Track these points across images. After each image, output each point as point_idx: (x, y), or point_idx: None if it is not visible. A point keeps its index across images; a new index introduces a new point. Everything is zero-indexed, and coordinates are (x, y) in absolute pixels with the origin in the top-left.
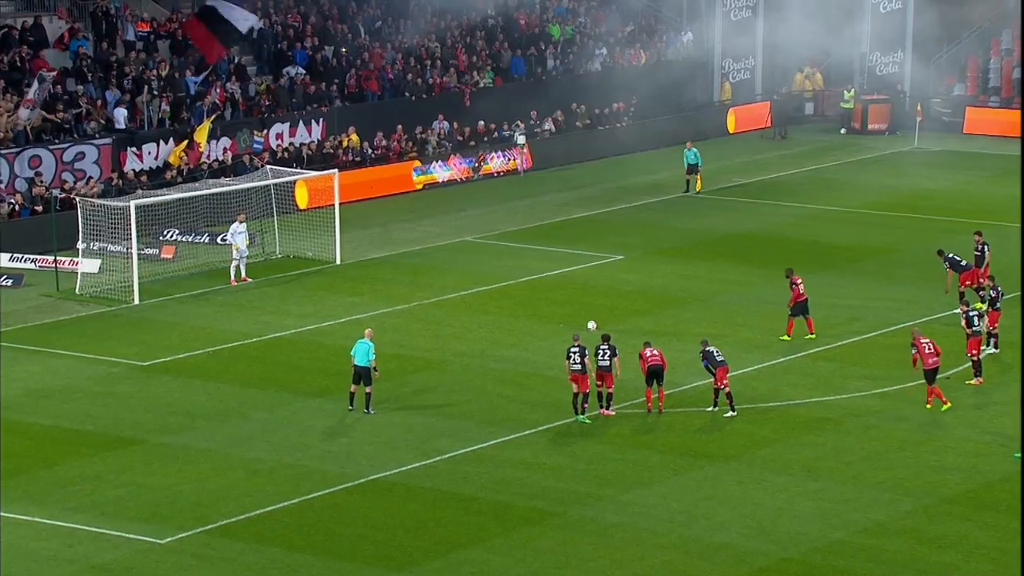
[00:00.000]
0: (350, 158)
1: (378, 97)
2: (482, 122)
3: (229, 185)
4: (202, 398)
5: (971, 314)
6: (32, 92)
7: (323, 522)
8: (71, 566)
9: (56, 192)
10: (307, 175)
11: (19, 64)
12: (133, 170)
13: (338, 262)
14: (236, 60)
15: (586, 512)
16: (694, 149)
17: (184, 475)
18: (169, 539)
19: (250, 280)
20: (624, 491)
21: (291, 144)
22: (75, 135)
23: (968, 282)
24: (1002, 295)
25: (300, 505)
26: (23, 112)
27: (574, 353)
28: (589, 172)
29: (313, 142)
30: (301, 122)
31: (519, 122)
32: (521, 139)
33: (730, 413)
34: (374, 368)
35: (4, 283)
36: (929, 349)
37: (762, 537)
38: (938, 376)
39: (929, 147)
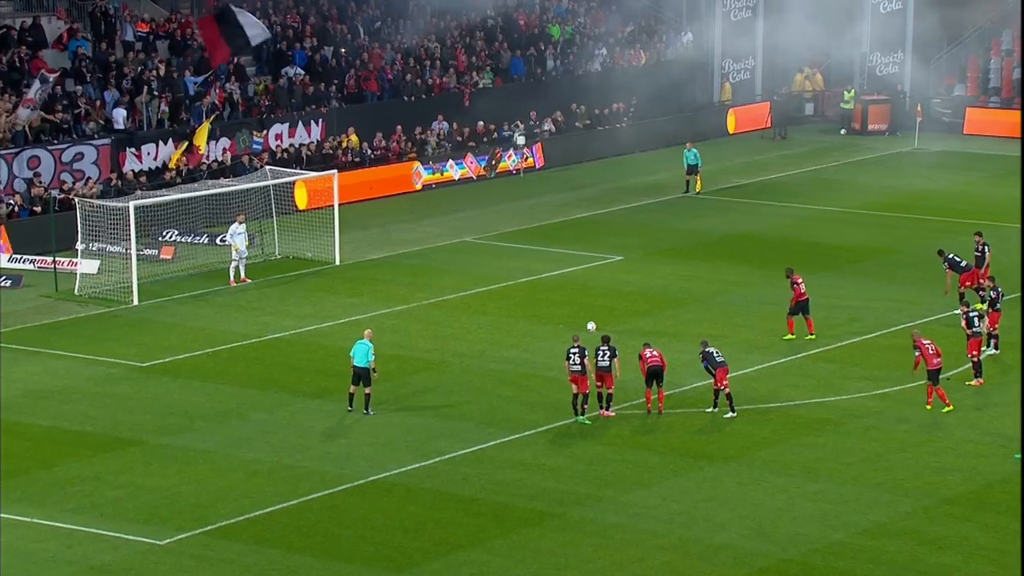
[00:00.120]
0: (349, 159)
1: (377, 98)
2: (481, 123)
3: (228, 186)
4: (201, 399)
5: (971, 315)
6: (33, 92)
7: (322, 523)
8: (70, 567)
9: (55, 193)
10: (306, 176)
11: (18, 64)
12: (132, 171)
13: (337, 263)
14: (235, 60)
15: (586, 513)
16: (694, 150)
17: (183, 476)
18: (168, 540)
19: (249, 281)
20: (624, 492)
21: (290, 145)
22: (74, 136)
23: (968, 283)
24: (1002, 296)
25: (299, 506)
26: (22, 112)
27: (574, 354)
28: (589, 173)
29: (312, 143)
30: (300, 123)
31: (518, 123)
32: (521, 140)
33: (730, 414)
34: (373, 369)
35: (3, 284)
36: (932, 350)
37: (762, 538)
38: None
39: (929, 148)
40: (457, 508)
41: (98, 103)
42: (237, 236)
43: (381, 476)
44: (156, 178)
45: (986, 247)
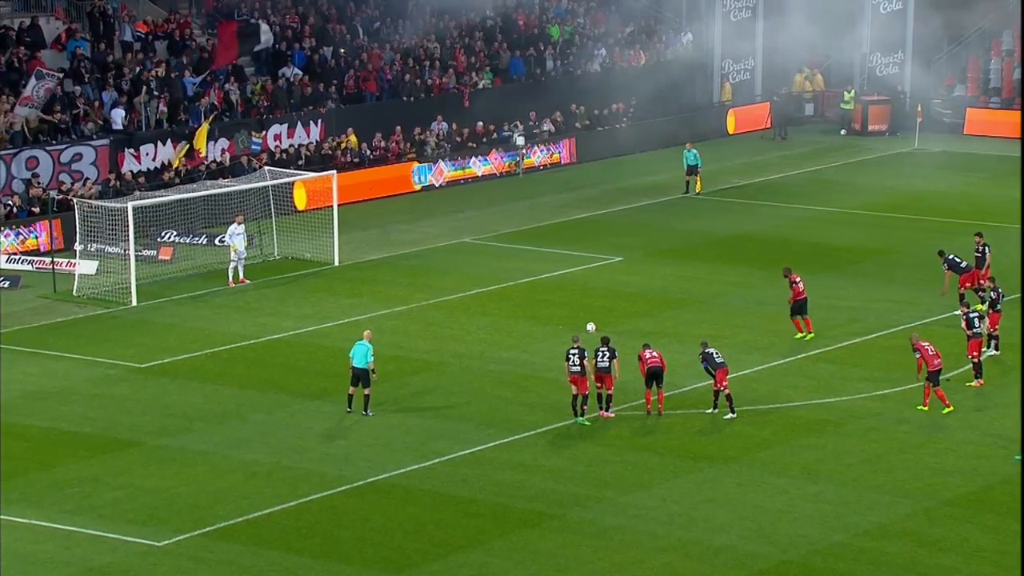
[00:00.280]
0: (348, 159)
1: (376, 98)
2: (481, 123)
3: (227, 186)
4: (200, 400)
5: (971, 316)
6: (30, 89)
7: (321, 524)
8: (68, 569)
9: (53, 193)
10: (305, 176)
11: (16, 65)
12: (131, 171)
13: (336, 263)
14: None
15: (585, 514)
16: (694, 150)
17: (182, 477)
18: (167, 542)
19: (248, 282)
20: (623, 493)
21: (289, 145)
22: (72, 136)
23: (968, 284)
24: (1003, 297)
25: (298, 507)
26: (20, 110)
27: (573, 355)
28: (588, 173)
29: (311, 143)
30: (299, 123)
31: (517, 123)
32: (520, 140)
33: (730, 415)
34: (372, 370)
35: (1, 285)
36: (931, 351)
37: (762, 539)
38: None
39: (929, 148)
40: (456, 509)
41: (96, 104)
42: (236, 237)
43: (380, 477)
44: (155, 179)
45: (986, 248)
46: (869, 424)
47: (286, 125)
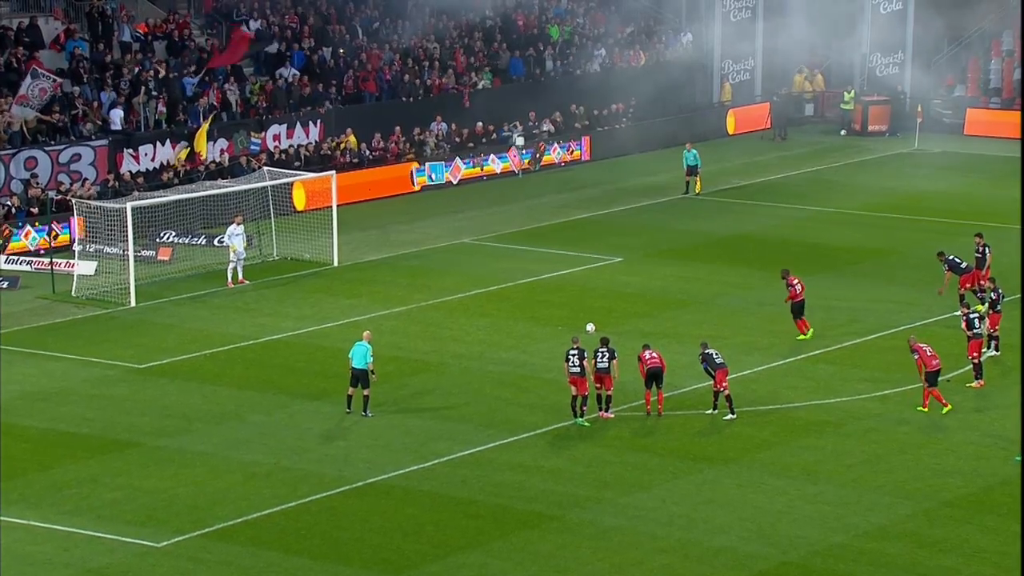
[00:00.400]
0: (348, 159)
1: (376, 98)
2: (480, 123)
3: (226, 187)
4: (199, 401)
5: (972, 316)
6: (25, 87)
7: (320, 525)
8: (67, 570)
9: (52, 194)
10: (304, 177)
11: (15, 65)
12: (129, 172)
13: (336, 264)
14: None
15: (585, 515)
16: (693, 150)
17: (180, 478)
18: (165, 543)
19: (247, 282)
20: (623, 494)
21: (289, 146)
22: (71, 137)
23: (968, 284)
24: (1003, 297)
25: (297, 508)
26: (16, 109)
27: (573, 356)
28: (588, 173)
29: (311, 144)
30: (298, 123)
31: (516, 123)
32: (520, 140)
33: (729, 416)
34: (372, 371)
35: (0, 285)
36: (929, 352)
37: (762, 541)
38: (939, 379)
39: (929, 149)
40: (456, 510)
41: (95, 104)
42: (235, 237)
43: (379, 478)
44: (153, 179)
45: (987, 248)
46: (869, 425)
47: (285, 125)
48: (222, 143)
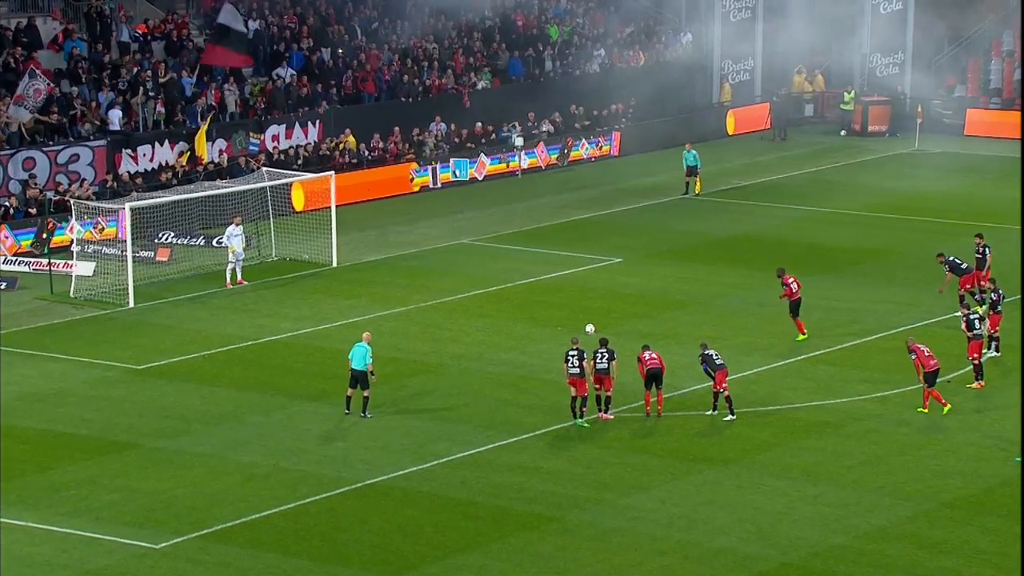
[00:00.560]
0: (347, 160)
1: (375, 99)
2: (479, 124)
3: (225, 187)
4: (197, 402)
5: (972, 317)
6: (22, 87)
7: (319, 527)
8: (65, 571)
9: (50, 194)
10: (303, 177)
11: (13, 66)
12: (128, 172)
13: (335, 265)
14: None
15: (584, 517)
16: (693, 151)
17: (179, 480)
18: (164, 544)
19: (246, 283)
20: (623, 495)
21: (288, 146)
22: (70, 137)
23: (968, 285)
24: (1003, 298)
25: (296, 510)
26: (13, 109)
27: (572, 356)
28: (587, 174)
29: (309, 144)
30: (297, 124)
31: (516, 124)
32: (519, 141)
33: (729, 417)
34: (371, 372)
35: None
36: (927, 353)
37: (762, 542)
38: (938, 380)
39: (929, 149)
40: (455, 511)
41: (93, 104)
42: (234, 238)
43: (378, 479)
44: (152, 180)
45: (987, 249)
46: (869, 426)
47: (284, 126)
48: (221, 144)
